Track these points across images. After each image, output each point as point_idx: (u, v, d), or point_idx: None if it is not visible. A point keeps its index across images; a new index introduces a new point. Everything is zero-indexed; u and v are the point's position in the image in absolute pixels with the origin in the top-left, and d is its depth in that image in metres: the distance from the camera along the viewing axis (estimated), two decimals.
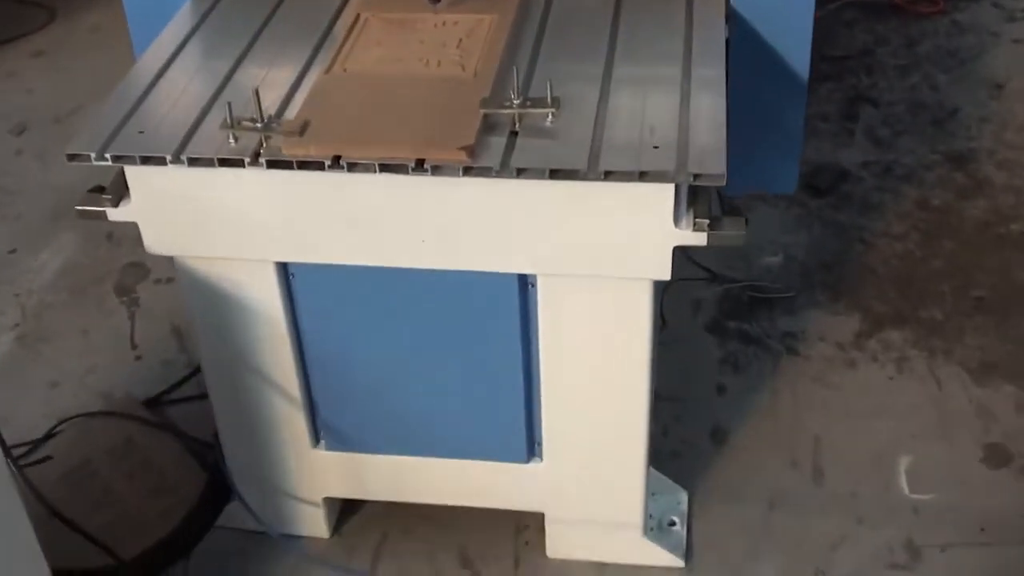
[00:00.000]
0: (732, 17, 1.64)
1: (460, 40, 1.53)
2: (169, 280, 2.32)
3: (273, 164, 1.34)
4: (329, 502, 1.77)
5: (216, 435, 1.74)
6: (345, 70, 1.50)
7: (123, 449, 1.91)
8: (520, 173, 1.30)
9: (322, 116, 1.38)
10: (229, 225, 1.43)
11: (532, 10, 1.62)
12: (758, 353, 2.16)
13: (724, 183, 1.29)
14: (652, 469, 1.72)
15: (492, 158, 1.31)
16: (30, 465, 1.90)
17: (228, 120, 1.35)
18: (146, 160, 1.37)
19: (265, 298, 1.52)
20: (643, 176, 1.29)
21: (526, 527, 1.81)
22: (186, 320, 1.69)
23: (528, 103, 1.36)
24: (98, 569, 1.71)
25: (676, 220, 1.35)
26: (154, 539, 1.78)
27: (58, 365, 2.18)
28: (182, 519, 1.80)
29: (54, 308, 2.32)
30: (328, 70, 1.49)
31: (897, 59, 3.01)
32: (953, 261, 2.37)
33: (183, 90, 1.49)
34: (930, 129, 2.76)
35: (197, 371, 2.02)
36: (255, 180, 1.37)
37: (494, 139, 1.35)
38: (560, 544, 1.74)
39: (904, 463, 1.96)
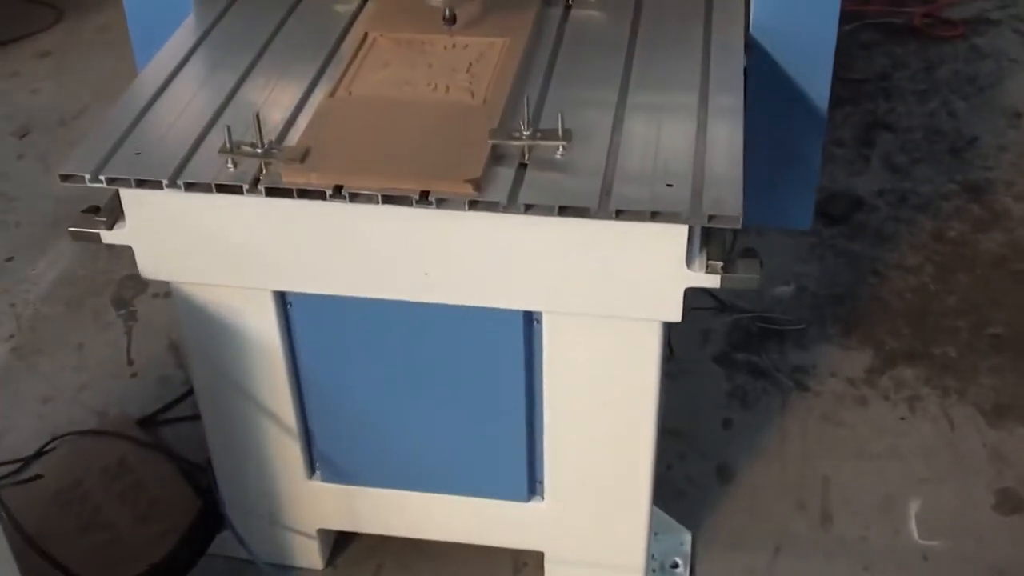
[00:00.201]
0: (750, 45, 1.59)
1: (470, 64, 1.49)
2: (167, 294, 2.28)
3: (272, 192, 1.30)
4: (324, 533, 1.72)
5: (210, 460, 1.70)
6: (350, 93, 1.45)
7: (115, 470, 1.86)
8: (528, 209, 1.25)
9: (324, 142, 1.34)
10: (226, 252, 1.38)
11: (545, 33, 1.58)
12: (767, 387, 2.11)
13: (740, 226, 1.24)
14: (655, 508, 1.67)
15: (499, 192, 1.27)
16: (20, 484, 1.86)
17: (227, 144, 1.31)
18: (141, 183, 1.32)
19: (262, 326, 1.47)
20: (655, 216, 1.24)
21: (524, 565, 1.76)
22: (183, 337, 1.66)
23: (538, 135, 1.31)
24: None
25: (688, 261, 1.30)
26: (144, 565, 1.73)
27: (52, 379, 2.13)
28: (174, 546, 1.75)
29: (50, 320, 2.28)
30: (333, 93, 1.45)
31: (915, 84, 2.96)
32: (968, 296, 2.32)
33: (183, 109, 1.45)
34: (947, 157, 2.71)
35: (193, 390, 1.97)
36: (254, 207, 1.33)
37: (502, 171, 1.30)
38: None
39: (914, 507, 1.90)
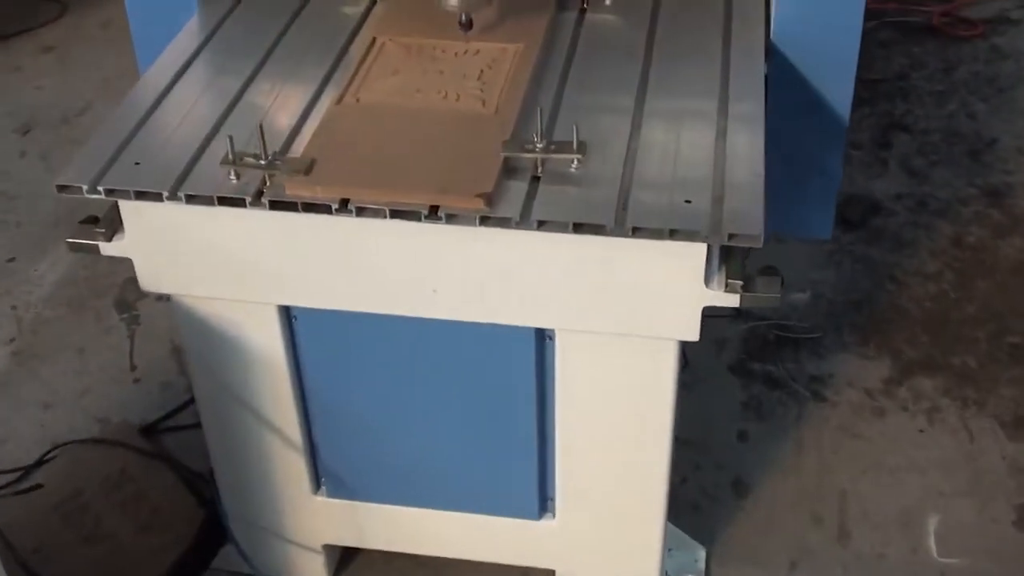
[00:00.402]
0: (771, 52, 1.54)
1: (482, 71, 1.44)
2: (171, 297, 2.24)
3: (276, 205, 1.25)
4: (329, 549, 1.68)
5: (212, 471, 1.66)
6: (358, 100, 1.40)
7: (117, 479, 1.83)
8: (541, 226, 1.21)
9: (330, 153, 1.29)
10: (229, 265, 1.34)
11: (559, 38, 1.53)
12: (783, 398, 2.06)
13: (760, 245, 1.19)
14: (669, 523, 1.63)
15: (512, 207, 1.22)
16: (20, 493, 1.83)
17: (230, 155, 1.27)
18: (141, 195, 1.28)
19: (266, 341, 1.43)
20: (673, 234, 1.20)
21: None
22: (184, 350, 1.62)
23: (552, 147, 1.27)
24: None
25: (707, 279, 1.25)
26: None
27: (53, 385, 2.10)
28: (176, 559, 1.72)
29: (51, 323, 2.24)
30: (340, 100, 1.40)
31: (933, 84, 2.90)
32: (988, 304, 2.26)
33: (185, 116, 1.41)
34: (966, 160, 2.65)
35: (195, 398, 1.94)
36: (257, 220, 1.28)
37: (514, 184, 1.26)
38: None
39: (933, 523, 1.86)
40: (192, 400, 1.97)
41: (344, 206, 1.24)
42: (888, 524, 1.85)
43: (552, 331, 1.36)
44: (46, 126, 2.87)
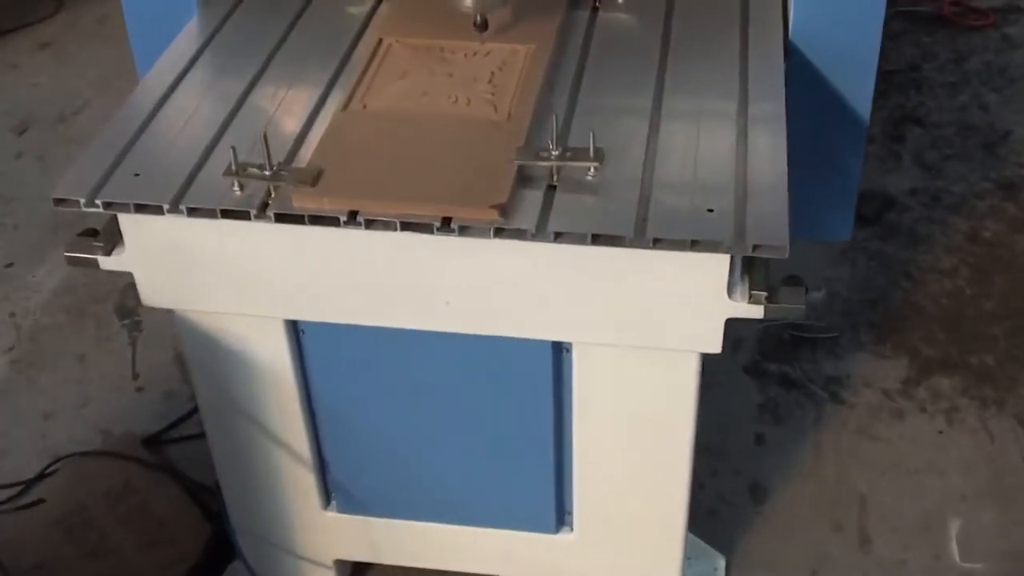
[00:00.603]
0: (789, 51, 1.49)
1: (492, 74, 1.39)
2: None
3: (282, 218, 1.20)
4: (340, 564, 1.64)
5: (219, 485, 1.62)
6: (365, 106, 1.35)
7: (120, 493, 1.79)
8: (558, 237, 1.16)
9: (338, 163, 1.24)
10: (233, 279, 1.29)
11: (572, 38, 1.48)
12: (800, 400, 2.02)
13: (786, 256, 1.14)
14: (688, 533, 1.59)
15: (527, 218, 1.17)
16: (22, 508, 1.79)
17: (233, 166, 1.22)
18: (141, 208, 1.23)
19: (273, 354, 1.38)
20: (695, 245, 1.15)
21: None
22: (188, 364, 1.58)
23: (568, 155, 1.22)
24: None
25: (730, 290, 1.21)
26: None
27: (53, 394, 2.05)
28: (183, 574, 1.69)
29: (50, 330, 2.20)
30: (346, 105, 1.35)
31: (945, 76, 2.85)
32: (1005, 301, 2.22)
33: (185, 123, 1.36)
34: (980, 153, 2.60)
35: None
36: (262, 233, 1.23)
37: (529, 193, 1.21)
38: None
39: (955, 527, 1.82)
40: (196, 409, 1.93)
41: (353, 218, 1.19)
42: (909, 529, 1.82)
43: (569, 343, 1.32)
44: (43, 125, 2.82)
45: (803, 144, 1.49)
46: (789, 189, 1.23)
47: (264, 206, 1.21)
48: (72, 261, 1.32)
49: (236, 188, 1.22)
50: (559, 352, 1.33)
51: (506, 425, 1.41)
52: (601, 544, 1.51)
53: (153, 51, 1.52)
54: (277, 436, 1.47)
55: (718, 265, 1.18)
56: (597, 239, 1.16)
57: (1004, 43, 2.97)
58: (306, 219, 1.20)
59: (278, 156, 1.24)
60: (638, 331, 1.26)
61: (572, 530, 1.51)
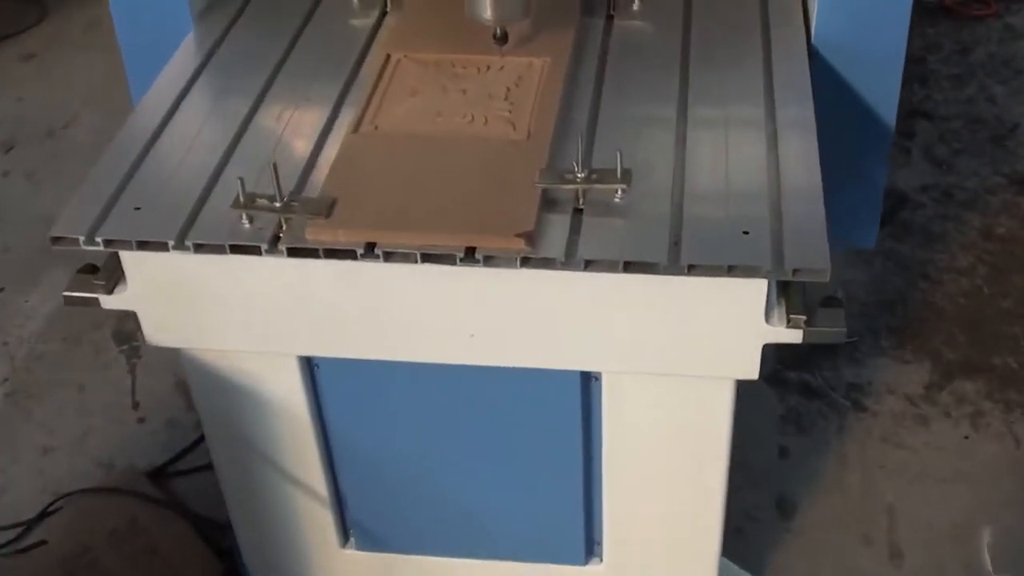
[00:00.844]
0: (812, 56, 1.44)
1: (508, 90, 1.32)
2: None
3: (295, 252, 1.14)
4: None
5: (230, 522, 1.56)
6: (376, 127, 1.29)
7: (126, 532, 1.71)
8: (588, 265, 1.10)
9: (352, 191, 1.18)
10: (244, 316, 1.23)
11: (588, 48, 1.41)
12: (822, 409, 1.97)
13: (827, 279, 1.09)
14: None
15: (555, 247, 1.11)
16: (23, 551, 1.72)
17: (241, 198, 1.15)
18: (144, 245, 1.16)
19: (286, 392, 1.32)
20: (732, 271, 1.09)
21: None
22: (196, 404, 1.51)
23: (594, 177, 1.16)
24: None
25: (767, 314, 1.15)
26: None
27: (51, 427, 1.98)
28: None
29: (46, 359, 2.12)
30: (356, 127, 1.28)
31: (950, 67, 2.80)
32: (1023, 299, 2.18)
33: (187, 151, 1.29)
34: (990, 147, 2.56)
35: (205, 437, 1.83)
36: (274, 268, 1.17)
37: (555, 218, 1.15)
38: None
39: (986, 536, 1.78)
40: (201, 439, 1.87)
41: (370, 251, 1.12)
42: (940, 540, 1.77)
43: (599, 372, 1.26)
44: (30, 141, 2.73)
45: (827, 150, 1.43)
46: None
47: (276, 240, 1.14)
48: (71, 301, 1.25)
49: (245, 221, 1.16)
50: (587, 381, 1.27)
51: (532, 456, 1.36)
52: (632, 575, 1.46)
53: (146, 65, 1.46)
54: (292, 474, 1.41)
55: (756, 290, 1.13)
56: (629, 266, 1.10)
57: (1007, 33, 2.93)
58: (321, 253, 1.13)
59: (287, 184, 1.18)
60: (671, 358, 1.20)
61: (601, 561, 1.46)
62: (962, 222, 2.35)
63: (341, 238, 1.13)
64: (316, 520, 1.46)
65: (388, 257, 1.13)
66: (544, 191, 1.16)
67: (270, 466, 1.41)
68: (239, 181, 1.15)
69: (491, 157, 1.22)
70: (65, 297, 1.24)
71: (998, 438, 1.93)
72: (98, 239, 1.16)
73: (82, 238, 1.16)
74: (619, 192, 1.16)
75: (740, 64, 1.38)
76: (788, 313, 1.16)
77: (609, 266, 1.10)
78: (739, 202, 1.17)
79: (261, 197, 1.16)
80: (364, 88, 1.35)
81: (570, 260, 1.10)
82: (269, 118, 1.34)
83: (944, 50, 2.86)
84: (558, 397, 1.29)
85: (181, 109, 1.36)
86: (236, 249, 1.14)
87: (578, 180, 1.15)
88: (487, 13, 1.30)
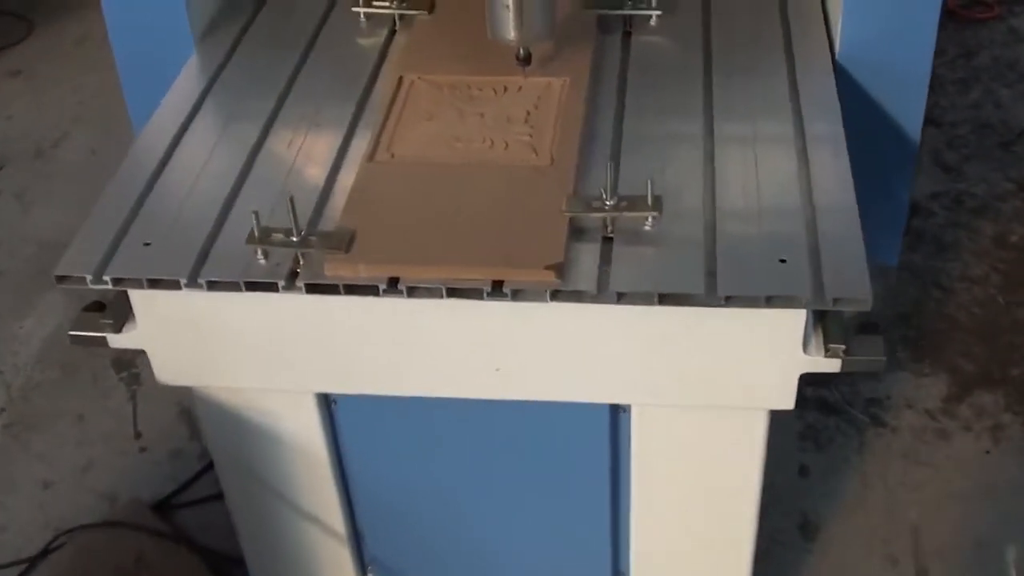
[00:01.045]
0: (836, 72, 1.40)
1: (528, 112, 1.28)
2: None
3: (314, 288, 1.09)
4: None
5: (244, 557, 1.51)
6: (392, 155, 1.24)
7: (132, 568, 1.67)
8: (622, 298, 1.06)
9: (371, 224, 1.13)
10: (259, 354, 1.18)
11: (607, 66, 1.36)
12: (841, 425, 1.94)
13: (869, 308, 1.05)
14: None
15: (586, 279, 1.07)
16: None
17: (255, 233, 1.10)
18: (154, 283, 1.11)
19: (303, 429, 1.27)
20: (771, 301, 1.05)
21: None
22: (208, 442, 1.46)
23: (623, 204, 1.11)
24: None
25: (804, 344, 1.11)
26: None
27: (51, 460, 1.92)
28: None
29: (44, 388, 2.06)
30: (372, 155, 1.24)
31: (955, 72, 2.77)
32: None
33: (196, 181, 1.23)
34: (998, 152, 2.53)
35: (212, 465, 1.78)
36: (292, 305, 1.12)
37: (584, 248, 1.11)
38: None
39: (1012, 553, 1.75)
40: (207, 468, 1.82)
41: (393, 286, 1.08)
42: (965, 559, 1.74)
43: (628, 404, 1.22)
44: (19, 161, 2.67)
45: (852, 167, 1.40)
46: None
47: (293, 275, 1.09)
48: (77, 340, 1.19)
49: (260, 257, 1.11)
50: (616, 413, 1.23)
51: (558, 490, 1.31)
52: None
53: (146, 87, 1.40)
54: (309, 511, 1.36)
55: (794, 320, 1.09)
56: (664, 299, 1.06)
57: (1011, 36, 2.90)
58: (341, 289, 1.09)
59: (302, 215, 1.13)
60: (704, 390, 1.16)
61: None
62: (974, 230, 2.33)
63: (362, 273, 1.08)
64: (333, 556, 1.41)
65: (412, 292, 1.08)
66: (571, 219, 1.12)
67: (286, 503, 1.36)
68: (254, 215, 1.10)
69: (514, 184, 1.18)
70: (71, 336, 1.19)
71: (1020, 452, 1.90)
72: (106, 278, 1.11)
73: (89, 277, 1.11)
74: (649, 219, 1.12)
75: (764, 77, 1.34)
76: (826, 343, 1.12)
77: (643, 298, 1.06)
78: (773, 225, 1.13)
79: (277, 231, 1.11)
80: (377, 112, 1.31)
81: (602, 293, 1.06)
82: (280, 144, 1.29)
83: (948, 54, 2.83)
84: (585, 430, 1.24)
85: (187, 136, 1.31)
86: (252, 286, 1.10)
87: (607, 208, 1.11)
88: (511, 34, 1.25)
